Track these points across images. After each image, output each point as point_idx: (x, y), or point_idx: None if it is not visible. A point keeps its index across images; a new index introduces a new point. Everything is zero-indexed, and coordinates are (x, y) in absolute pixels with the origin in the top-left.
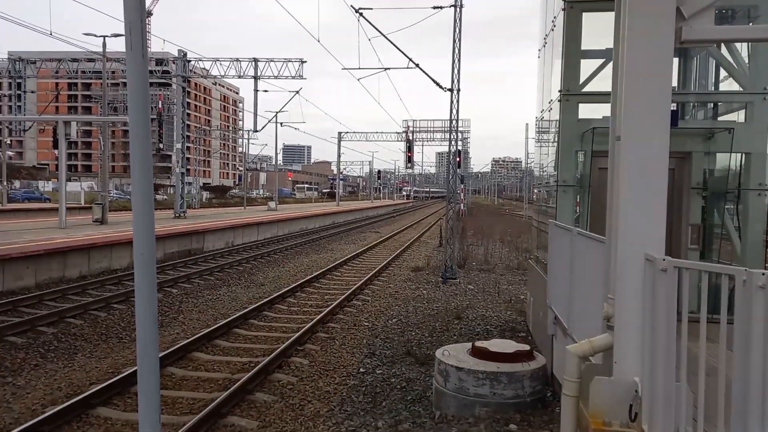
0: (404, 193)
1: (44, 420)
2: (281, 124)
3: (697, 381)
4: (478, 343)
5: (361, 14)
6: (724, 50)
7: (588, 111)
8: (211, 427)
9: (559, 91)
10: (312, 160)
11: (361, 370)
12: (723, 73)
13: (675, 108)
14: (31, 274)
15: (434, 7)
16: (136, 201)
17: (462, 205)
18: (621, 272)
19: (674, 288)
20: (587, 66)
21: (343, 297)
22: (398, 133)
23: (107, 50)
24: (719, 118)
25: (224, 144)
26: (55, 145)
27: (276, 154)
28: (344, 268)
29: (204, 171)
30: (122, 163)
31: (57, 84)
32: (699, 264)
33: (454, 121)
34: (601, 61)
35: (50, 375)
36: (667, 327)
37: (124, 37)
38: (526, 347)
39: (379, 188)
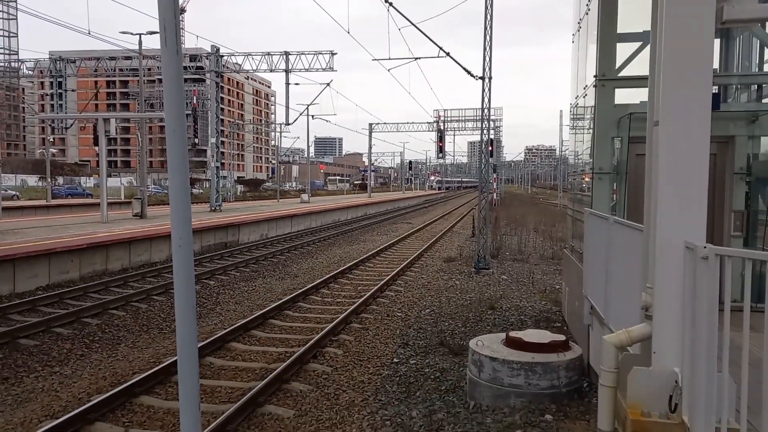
0: (429, 184)
1: (90, 408)
2: (313, 116)
3: (740, 372)
4: (513, 334)
5: (390, 4)
6: None
7: (624, 96)
8: (249, 415)
9: (595, 76)
10: (343, 152)
11: (395, 360)
12: None
13: (716, 91)
14: (76, 267)
15: None
16: (174, 195)
17: (495, 194)
18: (660, 261)
19: (716, 276)
20: (623, 50)
21: (375, 288)
22: (429, 123)
23: (143, 47)
24: (764, 101)
25: (257, 138)
26: (96, 142)
27: (308, 146)
28: (377, 259)
29: (238, 165)
30: (160, 159)
31: (96, 82)
32: (742, 251)
33: (485, 110)
34: (637, 44)
35: (95, 365)
36: (708, 316)
37: (158, 35)
38: (562, 337)
39: (411, 179)
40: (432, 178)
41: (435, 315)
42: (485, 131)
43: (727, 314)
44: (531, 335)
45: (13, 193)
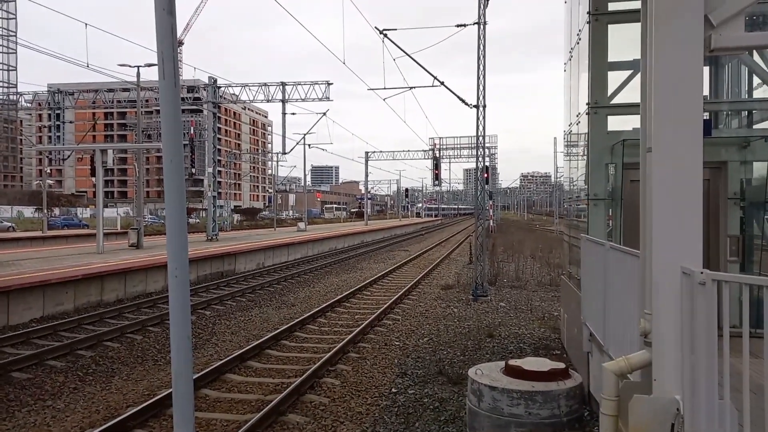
0: (416, 211)
1: None
2: (309, 145)
3: (742, 398)
4: (512, 362)
5: (385, 35)
6: (756, 57)
7: (617, 123)
8: None
9: (587, 103)
10: (340, 180)
11: (393, 390)
12: (756, 80)
13: (707, 117)
14: (71, 299)
15: (458, 26)
16: (170, 224)
17: (491, 221)
18: (657, 287)
19: (714, 302)
20: (615, 78)
21: (373, 317)
22: (425, 150)
23: (141, 79)
24: (755, 126)
25: (254, 167)
26: (93, 173)
27: (305, 175)
28: (374, 288)
29: (235, 194)
30: (156, 189)
31: (94, 114)
32: (739, 277)
33: (480, 138)
34: (629, 72)
35: (88, 398)
36: (707, 342)
37: (157, 67)
38: (562, 365)
39: (407, 206)
40: (419, 205)
41: (433, 343)
42: (480, 158)
43: (726, 340)
44: (531, 363)
45: (9, 224)
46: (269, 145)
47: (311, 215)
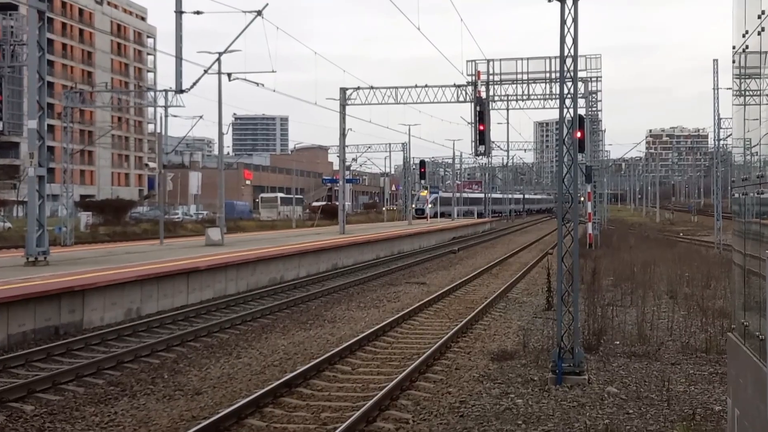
0: (414, 205)
1: None
2: (230, 76)
3: None
4: None
5: None
6: None
7: None
8: None
9: None
10: (290, 145)
11: None
12: None
13: None
14: None
15: None
16: None
17: (590, 225)
18: None
19: None
20: None
21: (355, 417)
22: (458, 86)
23: None
24: None
25: (120, 119)
26: None
27: (220, 135)
28: (359, 356)
29: (83, 172)
30: None
31: None
32: None
33: (569, 59)
34: None
35: None
36: None
37: None
38: None
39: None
40: (423, 195)
41: None
42: (567, 102)
43: None
44: None
45: None
46: (150, 76)
47: (234, 214)
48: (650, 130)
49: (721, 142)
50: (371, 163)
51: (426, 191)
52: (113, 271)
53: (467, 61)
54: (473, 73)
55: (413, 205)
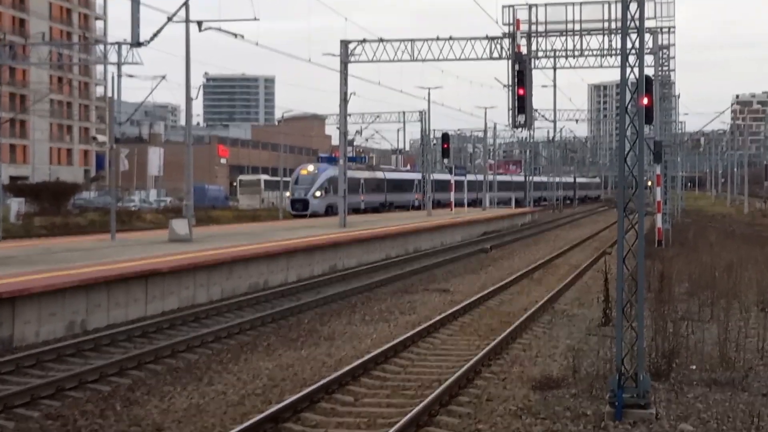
0: (291, 195)
1: None
2: (200, 25)
3: None
4: None
5: None
6: None
7: None
8: None
9: None
10: (277, 114)
11: None
12: None
13: None
14: None
15: None
16: None
17: (659, 217)
18: None
19: None
20: None
21: None
22: (491, 39)
23: None
24: None
25: (60, 79)
26: None
27: (188, 100)
28: (366, 383)
29: (14, 147)
30: None
31: None
32: None
33: (631, 5)
34: None
35: None
36: None
37: None
38: None
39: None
40: (304, 173)
41: None
42: (631, 60)
43: None
44: None
45: None
46: (99, 25)
47: (207, 201)
48: (737, 96)
49: None
50: (380, 136)
51: (312, 167)
52: (52, 274)
53: (503, 7)
54: (511, 21)
55: (288, 194)
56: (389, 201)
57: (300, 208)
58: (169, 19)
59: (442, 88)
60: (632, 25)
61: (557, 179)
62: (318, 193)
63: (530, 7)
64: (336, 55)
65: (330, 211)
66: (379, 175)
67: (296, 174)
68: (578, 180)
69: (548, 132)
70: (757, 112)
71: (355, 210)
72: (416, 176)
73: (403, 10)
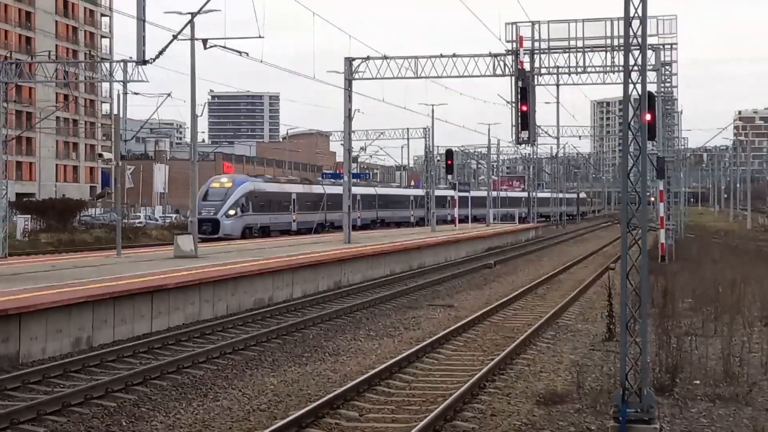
0: (200, 212)
1: None
2: (205, 43)
3: None
4: None
5: None
6: None
7: None
8: None
9: None
10: (282, 131)
11: None
12: None
13: None
14: None
15: None
16: None
17: (662, 232)
18: None
19: None
20: None
21: None
22: (495, 56)
23: None
24: None
25: (66, 97)
26: None
27: (193, 118)
28: (371, 398)
29: (20, 165)
30: None
31: None
32: None
33: (634, 20)
34: None
35: None
36: None
37: None
38: None
39: (451, 196)
40: (216, 185)
41: None
42: (634, 77)
43: None
44: None
45: None
46: (105, 43)
47: None
48: (739, 112)
49: None
50: (384, 153)
51: (226, 179)
52: (58, 290)
53: (506, 24)
54: (514, 38)
55: (198, 211)
56: (380, 217)
57: (208, 230)
58: (175, 37)
59: (446, 104)
60: (635, 41)
61: (560, 195)
62: (232, 212)
63: (533, 24)
64: (340, 73)
65: (248, 233)
66: (370, 191)
67: (206, 187)
68: (581, 195)
69: (551, 148)
70: (759, 128)
71: (337, 227)
72: (412, 192)
73: (408, 28)
